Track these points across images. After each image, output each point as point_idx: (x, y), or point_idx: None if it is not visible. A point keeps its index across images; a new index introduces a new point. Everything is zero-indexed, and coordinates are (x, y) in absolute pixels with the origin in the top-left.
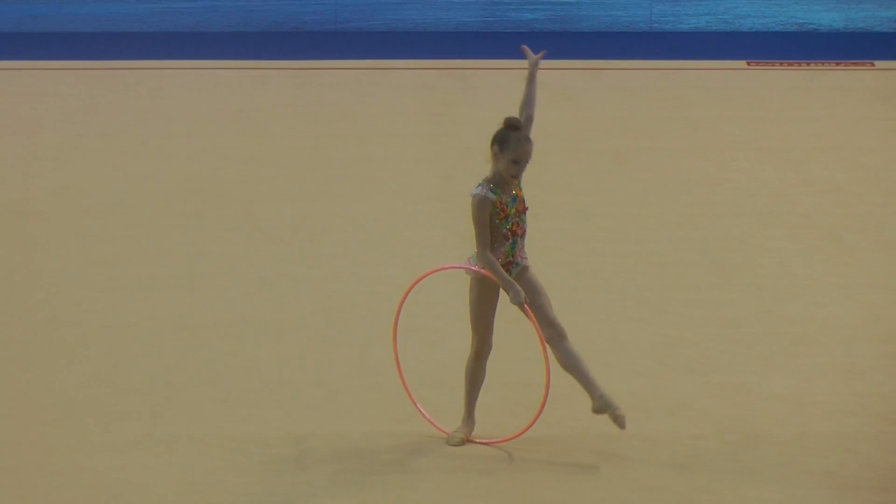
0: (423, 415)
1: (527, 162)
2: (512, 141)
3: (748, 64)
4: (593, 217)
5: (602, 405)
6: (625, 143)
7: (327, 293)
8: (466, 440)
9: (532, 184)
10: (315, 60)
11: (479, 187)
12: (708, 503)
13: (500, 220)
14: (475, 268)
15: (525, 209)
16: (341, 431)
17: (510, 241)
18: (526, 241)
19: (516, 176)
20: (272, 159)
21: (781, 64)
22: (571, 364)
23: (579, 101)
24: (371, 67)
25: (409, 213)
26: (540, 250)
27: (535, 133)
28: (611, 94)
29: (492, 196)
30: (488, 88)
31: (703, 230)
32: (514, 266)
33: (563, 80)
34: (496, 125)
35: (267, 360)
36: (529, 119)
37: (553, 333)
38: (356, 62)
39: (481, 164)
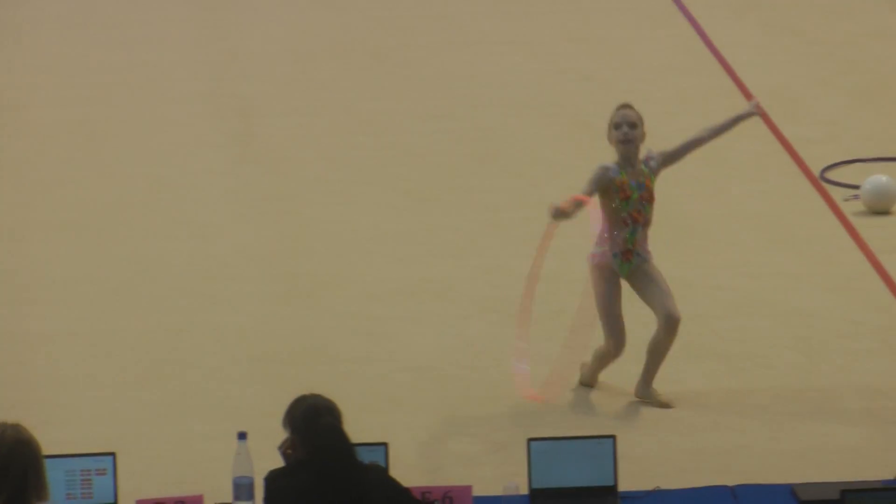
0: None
1: (628, 126)
2: (614, 113)
3: None
4: (356, 112)
5: (644, 394)
6: (384, 41)
7: (104, 194)
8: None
9: (295, 82)
10: None
11: (606, 162)
12: (474, 381)
13: (620, 202)
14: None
15: (651, 199)
16: (122, 325)
17: (629, 227)
18: (645, 231)
19: (622, 141)
20: (42, 67)
21: None
22: (653, 349)
23: (339, 2)
24: None
25: (179, 114)
26: (305, 146)
27: (296, 36)
28: None
29: (611, 173)
30: None
31: (460, 121)
32: (634, 256)
33: None
34: (261, 27)
35: (48, 260)
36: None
37: (669, 324)
38: None
39: (250, 66)
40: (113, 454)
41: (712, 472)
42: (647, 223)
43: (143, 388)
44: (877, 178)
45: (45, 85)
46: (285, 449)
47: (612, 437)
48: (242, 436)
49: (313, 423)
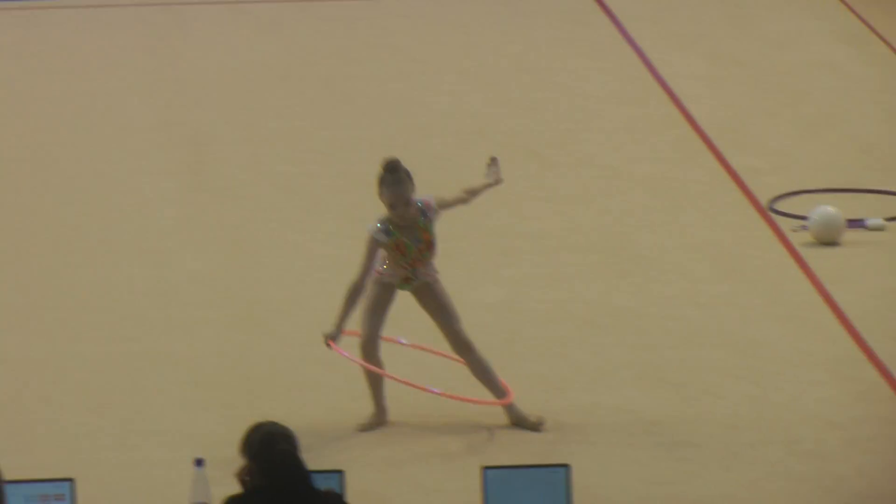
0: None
1: (403, 205)
2: (385, 185)
3: None
4: (307, 141)
5: (514, 418)
6: (335, 71)
7: (58, 222)
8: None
9: (246, 111)
10: (32, 0)
11: (375, 225)
12: (428, 409)
13: (398, 255)
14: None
15: (429, 248)
16: (78, 351)
17: (409, 269)
18: (434, 259)
19: (401, 217)
20: None
21: None
22: (480, 373)
23: (289, 33)
24: (89, 5)
25: (131, 142)
26: (257, 174)
27: (247, 66)
28: (319, 24)
29: (383, 238)
30: (201, 22)
31: (407, 150)
32: (414, 279)
33: (272, 12)
34: (212, 57)
35: (3, 286)
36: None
37: (460, 348)
38: (72, 0)
39: (201, 95)
40: (71, 480)
41: (665, 500)
42: (425, 264)
43: (100, 415)
44: (824, 209)
45: None
46: (242, 476)
47: (567, 465)
48: (200, 462)
49: (270, 449)
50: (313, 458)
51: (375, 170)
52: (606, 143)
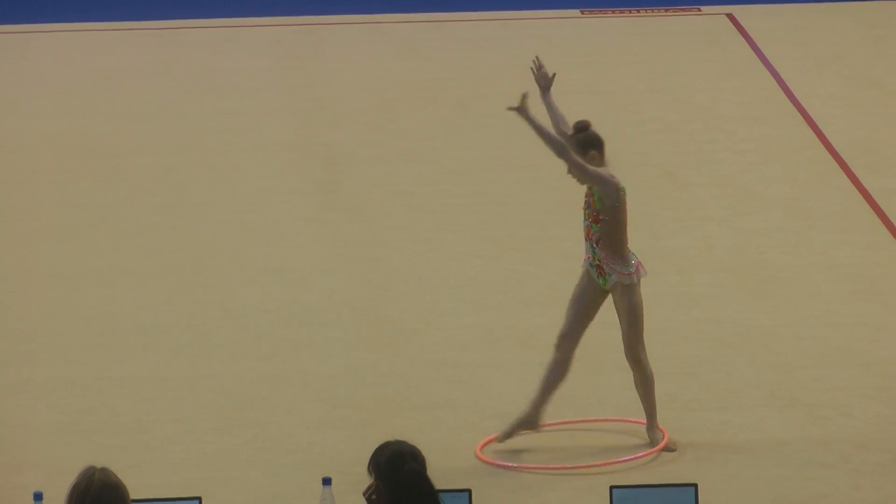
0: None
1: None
2: None
3: (582, 12)
4: (441, 161)
5: (651, 438)
6: (468, 91)
7: (193, 240)
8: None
9: (381, 131)
10: (172, 20)
11: None
12: (556, 428)
13: (583, 209)
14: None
15: (594, 219)
16: (209, 371)
17: (587, 242)
18: (607, 251)
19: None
20: (136, 115)
21: (613, 12)
22: (639, 392)
23: (424, 53)
24: (226, 26)
25: (266, 161)
26: (391, 194)
27: (382, 85)
28: (454, 44)
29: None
30: (337, 42)
31: (544, 170)
32: (606, 273)
33: (407, 32)
34: (347, 77)
35: (137, 305)
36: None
37: (628, 361)
38: (211, 21)
39: (336, 115)
40: (199, 499)
41: None
42: (597, 241)
43: (230, 433)
44: None
45: (137, 132)
46: (370, 494)
47: (694, 485)
48: (327, 481)
49: (398, 468)
50: (441, 478)
51: (508, 189)
52: (741, 164)
